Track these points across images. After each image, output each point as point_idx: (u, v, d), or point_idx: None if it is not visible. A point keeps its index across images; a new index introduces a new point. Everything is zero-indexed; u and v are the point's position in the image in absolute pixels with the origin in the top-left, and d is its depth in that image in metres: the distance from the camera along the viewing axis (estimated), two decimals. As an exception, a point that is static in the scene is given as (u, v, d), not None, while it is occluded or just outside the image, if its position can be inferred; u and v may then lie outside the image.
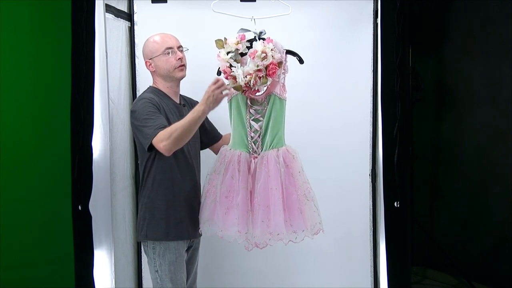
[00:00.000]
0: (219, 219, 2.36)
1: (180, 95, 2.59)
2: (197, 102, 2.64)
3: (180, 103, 2.55)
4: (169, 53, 2.44)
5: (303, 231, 2.34)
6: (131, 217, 2.86)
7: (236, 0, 2.84)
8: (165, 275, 2.39)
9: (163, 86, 2.50)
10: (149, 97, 2.40)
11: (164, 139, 2.23)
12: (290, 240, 2.33)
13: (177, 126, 2.24)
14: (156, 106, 2.35)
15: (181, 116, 2.46)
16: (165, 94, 2.49)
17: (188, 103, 2.61)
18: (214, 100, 2.23)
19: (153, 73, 2.50)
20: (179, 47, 2.49)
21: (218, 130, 2.74)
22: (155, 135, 2.25)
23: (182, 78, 2.50)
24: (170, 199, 2.41)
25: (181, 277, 2.43)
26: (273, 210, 2.29)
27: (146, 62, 2.49)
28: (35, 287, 3.45)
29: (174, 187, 2.42)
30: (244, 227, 2.32)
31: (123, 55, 2.87)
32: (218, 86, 2.22)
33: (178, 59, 2.45)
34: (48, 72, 3.52)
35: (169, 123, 2.34)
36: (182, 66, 2.47)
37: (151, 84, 2.55)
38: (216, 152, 2.64)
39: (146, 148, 2.31)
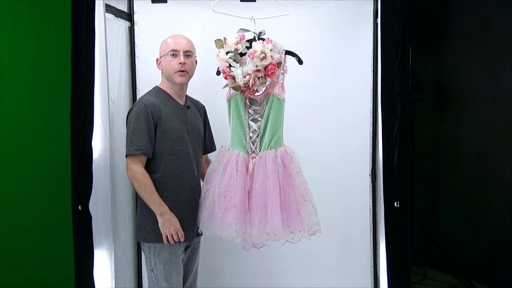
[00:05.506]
0: (217, 219, 2.37)
1: (187, 95, 2.58)
2: (202, 106, 2.67)
3: (185, 105, 2.53)
4: (173, 55, 2.42)
5: (300, 231, 2.34)
6: (131, 217, 2.85)
7: (236, 0, 2.84)
8: (160, 274, 2.40)
9: (167, 86, 2.49)
10: (148, 103, 2.39)
11: (131, 170, 2.35)
12: (287, 241, 2.33)
13: (140, 186, 2.34)
14: (146, 118, 2.35)
15: (183, 118, 2.47)
16: (169, 96, 2.48)
17: (193, 105, 2.61)
18: (165, 228, 2.36)
19: (161, 72, 2.50)
20: (187, 51, 2.44)
21: (216, 138, 2.74)
22: (133, 155, 2.34)
23: (181, 84, 2.47)
24: (169, 202, 2.40)
25: (176, 276, 2.42)
26: (270, 210, 2.29)
27: (157, 60, 2.50)
28: (35, 287, 3.45)
29: (174, 189, 2.42)
30: (241, 227, 2.32)
31: (123, 55, 2.87)
32: (175, 238, 2.37)
33: (179, 63, 2.42)
34: (48, 72, 3.52)
35: (171, 125, 2.38)
36: (183, 72, 2.43)
37: (151, 84, 2.55)
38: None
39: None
